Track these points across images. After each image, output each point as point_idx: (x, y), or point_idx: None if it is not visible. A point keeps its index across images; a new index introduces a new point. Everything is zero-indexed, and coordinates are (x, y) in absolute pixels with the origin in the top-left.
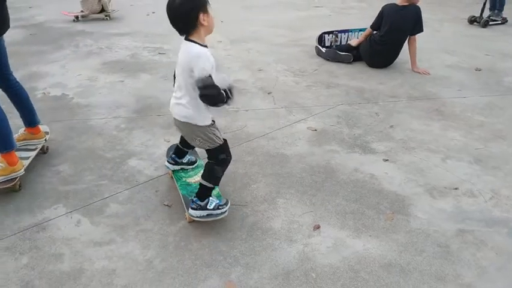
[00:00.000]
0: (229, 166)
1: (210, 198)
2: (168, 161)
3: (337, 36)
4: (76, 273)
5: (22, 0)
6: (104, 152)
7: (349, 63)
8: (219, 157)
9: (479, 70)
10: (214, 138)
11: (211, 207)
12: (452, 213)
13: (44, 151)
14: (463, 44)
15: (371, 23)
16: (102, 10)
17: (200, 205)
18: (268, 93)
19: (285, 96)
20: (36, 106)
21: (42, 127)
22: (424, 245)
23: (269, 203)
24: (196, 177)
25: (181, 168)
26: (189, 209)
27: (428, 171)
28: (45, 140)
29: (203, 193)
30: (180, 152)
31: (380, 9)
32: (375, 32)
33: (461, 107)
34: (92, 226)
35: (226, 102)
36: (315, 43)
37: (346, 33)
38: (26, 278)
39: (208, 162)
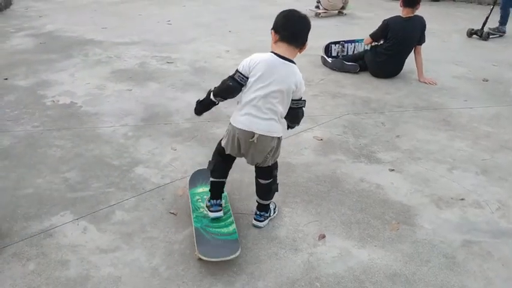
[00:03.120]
0: (235, 175)
1: (270, 206)
2: (214, 211)
3: (343, 47)
4: (82, 280)
5: (33, 10)
6: (111, 160)
7: (356, 73)
8: (274, 172)
9: (487, 81)
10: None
11: (272, 214)
12: (458, 224)
13: None
14: (470, 55)
15: (371, 33)
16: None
17: (266, 216)
18: None
19: None
20: (45, 114)
21: None
22: (429, 256)
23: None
24: None
25: (201, 198)
26: (255, 221)
27: (435, 181)
28: None
29: (266, 207)
30: (221, 189)
31: (383, 21)
32: (375, 43)
33: (468, 117)
34: (98, 233)
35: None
36: (321, 53)
37: (353, 44)
38: (33, 284)
39: (265, 183)
